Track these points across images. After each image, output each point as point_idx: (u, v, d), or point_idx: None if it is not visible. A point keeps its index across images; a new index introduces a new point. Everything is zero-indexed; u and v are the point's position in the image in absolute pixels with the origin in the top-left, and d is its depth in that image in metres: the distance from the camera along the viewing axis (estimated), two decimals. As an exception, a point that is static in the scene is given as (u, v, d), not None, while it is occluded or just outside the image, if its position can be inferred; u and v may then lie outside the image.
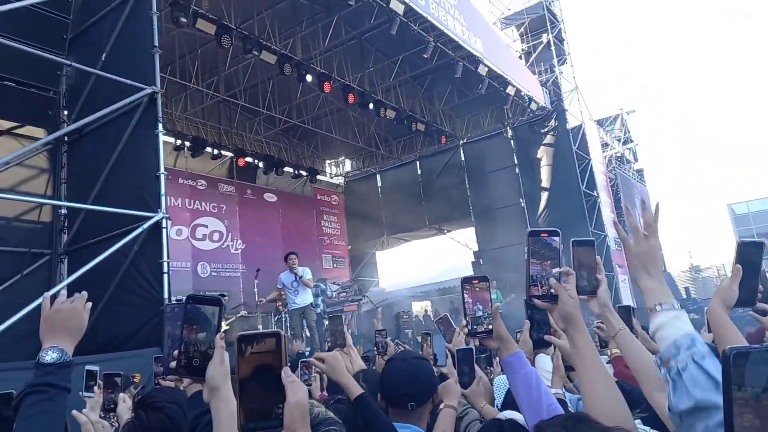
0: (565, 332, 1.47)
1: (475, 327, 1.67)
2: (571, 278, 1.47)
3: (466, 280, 1.71)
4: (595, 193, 15.41)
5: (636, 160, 22.72)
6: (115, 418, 2.76)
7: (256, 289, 12.36)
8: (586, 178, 15.40)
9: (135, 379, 4.41)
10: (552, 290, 1.47)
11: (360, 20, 12.26)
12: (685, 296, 19.69)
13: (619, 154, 20.70)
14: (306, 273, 10.00)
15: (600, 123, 19.27)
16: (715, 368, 1.06)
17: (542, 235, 1.52)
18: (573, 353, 1.44)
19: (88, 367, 2.92)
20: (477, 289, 1.70)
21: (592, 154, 15.90)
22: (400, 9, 10.18)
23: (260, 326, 11.92)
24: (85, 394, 2.79)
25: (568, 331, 1.44)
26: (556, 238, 1.52)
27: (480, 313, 1.66)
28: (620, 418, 1.24)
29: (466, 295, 1.70)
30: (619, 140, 21.38)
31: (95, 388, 2.75)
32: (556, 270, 1.49)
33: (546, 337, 2.15)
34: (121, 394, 2.83)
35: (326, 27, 12.18)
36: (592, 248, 1.60)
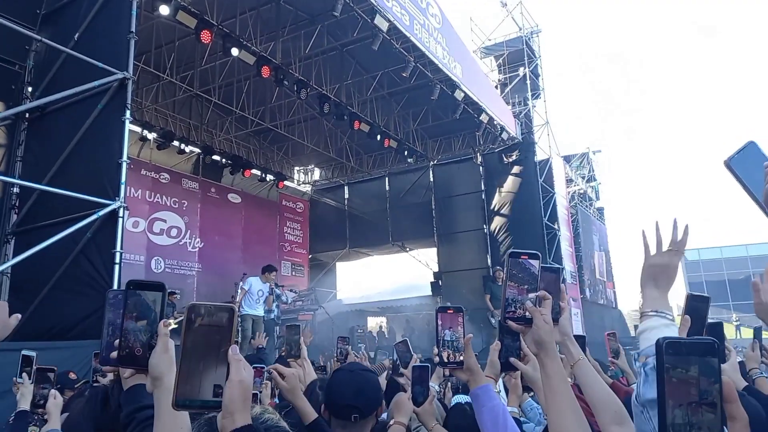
0: (537, 356, 1.46)
1: (446, 357, 1.66)
2: (547, 303, 1.46)
3: (441, 309, 1.70)
4: (556, 227, 15.74)
5: (597, 198, 23.38)
6: (44, 414, 2.61)
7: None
8: (549, 211, 15.73)
9: (71, 376, 4.24)
10: (527, 313, 1.46)
11: (343, 32, 12.31)
12: (633, 334, 20.19)
13: (582, 191, 21.25)
14: (287, 298, 10.24)
15: (566, 159, 19.78)
16: None
17: (522, 257, 1.51)
18: (543, 378, 1.43)
19: (24, 351, 2.80)
20: (451, 319, 1.70)
21: (557, 189, 16.27)
22: (384, 26, 10.27)
23: None
24: (18, 379, 2.67)
25: (540, 356, 1.43)
26: (536, 262, 1.51)
27: (452, 344, 1.65)
28: None
29: (439, 325, 1.69)
30: (583, 177, 21.98)
31: (24, 374, 2.63)
32: (533, 294, 1.48)
33: (511, 360, 2.16)
34: (53, 390, 2.67)
35: (309, 34, 12.18)
36: (557, 276, 1.62)
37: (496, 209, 16.27)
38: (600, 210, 23.49)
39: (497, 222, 16.16)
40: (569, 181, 19.49)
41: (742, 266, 40.24)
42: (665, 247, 1.40)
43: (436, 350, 1.68)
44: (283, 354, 3.36)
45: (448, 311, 1.70)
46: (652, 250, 1.40)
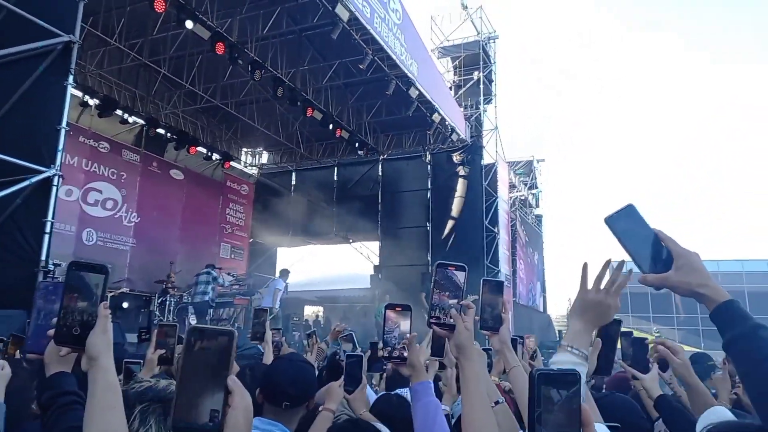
0: (456, 360, 1.55)
1: (390, 352, 1.73)
2: (470, 312, 1.55)
3: (390, 306, 1.77)
4: (495, 230, 16.20)
5: (537, 205, 24.20)
6: None
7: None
8: (491, 215, 16.18)
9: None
10: (451, 320, 1.55)
11: (303, 17, 12.17)
12: (557, 338, 21.10)
13: (523, 197, 21.95)
14: (224, 281, 12.51)
15: (511, 165, 20.36)
16: None
17: (450, 268, 1.60)
18: (461, 379, 1.53)
19: None
20: (398, 316, 1.77)
21: (500, 193, 16.75)
22: (344, 16, 10.24)
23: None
24: None
25: (459, 360, 1.52)
26: (462, 273, 1.59)
27: (396, 340, 1.73)
28: None
29: (388, 321, 1.76)
30: (525, 184, 22.69)
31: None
32: (453, 301, 1.57)
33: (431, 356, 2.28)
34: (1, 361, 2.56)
35: (268, 15, 11.96)
36: (500, 288, 1.75)
37: (439, 208, 16.57)
38: (539, 217, 24.33)
39: (440, 221, 16.46)
40: (512, 186, 20.09)
41: (737, 281, 41.30)
42: (602, 285, 1.43)
43: (381, 344, 1.77)
44: (249, 336, 3.45)
45: (396, 308, 1.78)
46: (589, 285, 1.45)
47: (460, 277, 1.59)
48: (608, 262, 1.48)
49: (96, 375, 1.25)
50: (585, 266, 1.47)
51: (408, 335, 1.73)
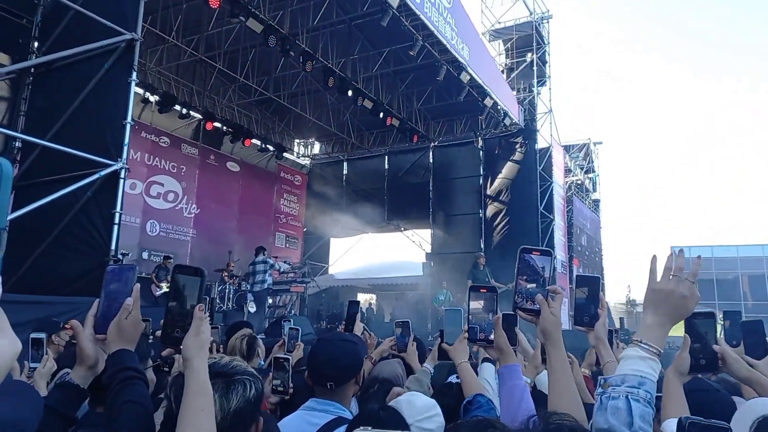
0: (544, 345, 1.54)
1: (475, 334, 1.73)
2: (558, 297, 1.52)
3: (474, 288, 1.77)
4: (551, 216, 15.83)
5: (594, 190, 23.46)
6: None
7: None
8: (545, 200, 15.81)
9: (67, 327, 4.28)
10: (537, 305, 1.52)
11: (353, 6, 12.19)
12: (619, 326, 20.49)
13: (579, 182, 21.32)
14: (281, 267, 12.55)
15: (567, 149, 19.80)
16: (639, 413, 1.17)
17: (534, 253, 1.57)
18: (548, 367, 1.52)
19: (33, 335, 2.79)
20: (483, 298, 1.76)
21: (555, 178, 16.32)
22: (394, 2, 10.18)
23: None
24: (32, 364, 2.66)
25: (546, 346, 1.51)
26: (547, 258, 1.56)
27: (483, 322, 1.72)
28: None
29: (472, 303, 1.75)
30: (581, 168, 22.03)
31: (44, 356, 2.61)
32: (532, 285, 1.54)
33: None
34: (44, 356, 2.63)
35: (318, 6, 12.04)
36: (596, 284, 1.70)
37: (493, 195, 16.32)
38: (596, 202, 23.59)
39: (493, 207, 16.22)
40: (568, 171, 19.54)
41: (732, 266, 40.52)
42: (670, 275, 1.37)
43: (466, 326, 1.76)
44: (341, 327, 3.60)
45: (481, 290, 1.76)
46: (658, 276, 1.38)
47: (545, 262, 1.56)
48: (673, 252, 1.42)
49: (189, 376, 1.29)
50: (654, 259, 1.40)
51: (493, 317, 1.72)
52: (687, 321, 1.74)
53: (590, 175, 22.95)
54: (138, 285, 1.51)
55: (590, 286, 1.71)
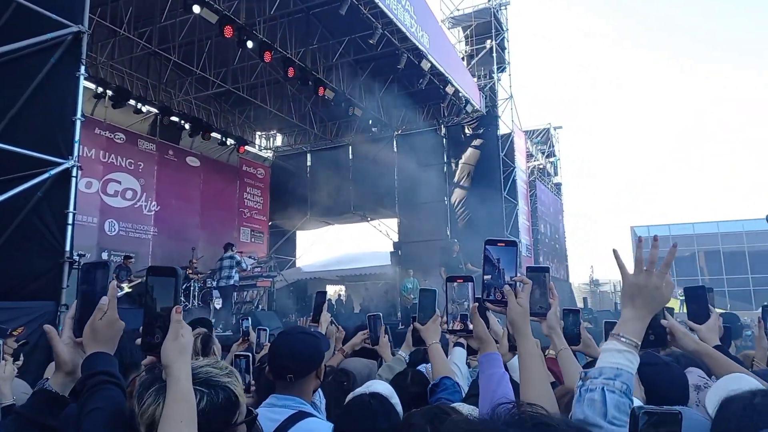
0: (513, 335, 1.55)
1: (453, 325, 1.72)
2: (526, 288, 1.52)
3: (450, 279, 1.75)
4: (515, 201, 16.05)
5: (556, 174, 23.89)
6: None
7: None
8: (509, 185, 16.00)
9: (14, 333, 4.08)
10: (505, 297, 1.52)
11: (310, -6, 12.01)
12: (582, 306, 21.01)
13: (541, 166, 21.67)
14: (246, 264, 12.49)
15: (528, 134, 20.07)
16: (614, 403, 1.20)
17: (499, 244, 1.56)
18: (518, 357, 1.52)
19: None
20: (460, 288, 1.74)
21: (517, 163, 16.54)
22: (352, -10, 10.07)
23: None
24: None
25: (516, 336, 1.51)
26: (513, 249, 1.55)
27: (461, 312, 1.70)
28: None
29: (449, 293, 1.75)
30: (543, 153, 22.39)
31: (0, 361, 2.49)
32: (488, 278, 1.54)
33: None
34: (2, 362, 2.48)
35: (274, -5, 11.83)
36: (545, 275, 1.72)
37: (457, 181, 16.43)
38: (558, 185, 24.03)
39: (458, 194, 16.35)
40: (530, 156, 19.83)
41: (689, 244, 42.05)
42: (644, 266, 1.37)
43: (444, 318, 1.75)
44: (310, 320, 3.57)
45: (457, 280, 1.75)
46: (629, 269, 1.39)
47: (505, 253, 1.55)
48: (641, 240, 1.44)
49: (169, 384, 1.22)
50: (615, 253, 1.42)
51: (470, 307, 1.71)
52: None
53: (551, 159, 23.36)
54: (114, 282, 1.45)
55: (540, 277, 1.73)
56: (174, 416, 1.17)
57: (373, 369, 3.21)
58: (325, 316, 3.27)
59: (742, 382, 1.60)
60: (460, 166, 16.46)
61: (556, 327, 1.80)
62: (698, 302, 2.25)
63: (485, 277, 1.55)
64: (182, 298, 11.65)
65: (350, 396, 1.99)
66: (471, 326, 1.71)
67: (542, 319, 1.76)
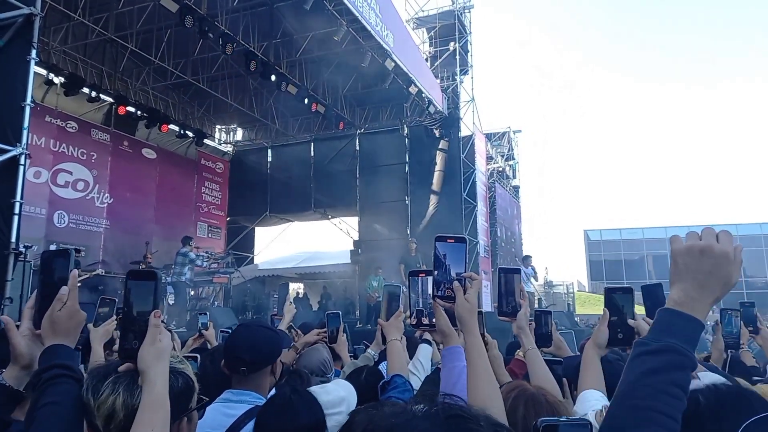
0: (460, 331, 1.55)
1: (418, 320, 1.73)
2: (475, 284, 1.53)
3: (413, 273, 1.77)
4: (474, 202, 16.27)
5: (514, 176, 24.33)
6: None
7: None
8: (468, 187, 16.22)
9: None
10: (453, 292, 1.53)
11: (275, -12, 11.86)
12: (537, 306, 21.47)
13: (500, 169, 22.04)
14: (202, 261, 12.16)
15: (488, 136, 20.37)
16: None
17: (449, 240, 1.56)
18: (466, 353, 1.53)
19: None
20: (423, 282, 1.75)
21: (477, 165, 16.77)
22: (317, -15, 10.00)
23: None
24: None
25: (463, 331, 1.52)
26: (462, 245, 1.56)
27: (425, 307, 1.71)
28: (495, 414, 1.38)
29: (413, 288, 1.76)
30: (502, 156, 22.77)
31: None
32: (436, 274, 1.55)
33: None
34: None
35: (238, -13, 11.63)
36: (516, 276, 1.74)
37: (417, 181, 16.54)
38: (516, 188, 24.47)
39: (418, 194, 16.45)
40: (489, 158, 20.14)
41: (638, 248, 43.63)
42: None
43: (408, 313, 1.75)
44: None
45: (420, 275, 1.76)
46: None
47: (461, 249, 1.56)
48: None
49: (144, 389, 1.19)
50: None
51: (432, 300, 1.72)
52: (606, 295, 1.83)
53: (510, 163, 23.78)
54: (75, 272, 1.39)
55: (511, 278, 1.77)
56: (148, 422, 1.16)
57: (323, 353, 3.21)
58: (288, 308, 3.26)
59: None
60: (421, 166, 16.58)
61: (525, 327, 1.86)
62: (655, 299, 2.32)
63: (434, 273, 1.56)
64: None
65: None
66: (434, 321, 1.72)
67: (512, 319, 1.81)
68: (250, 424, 1.89)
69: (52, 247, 12.60)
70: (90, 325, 2.28)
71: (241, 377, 2.07)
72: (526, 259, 13.46)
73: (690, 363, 0.99)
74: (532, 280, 13.41)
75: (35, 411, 1.22)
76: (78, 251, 11.42)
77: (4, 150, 5.38)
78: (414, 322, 1.79)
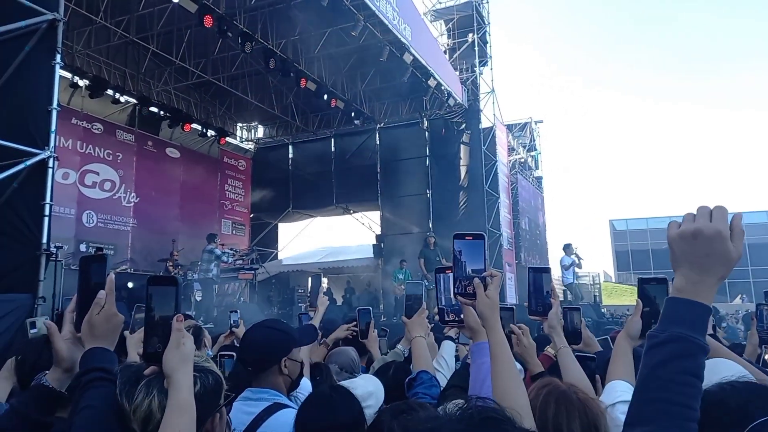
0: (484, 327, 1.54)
1: (447, 315, 1.74)
2: (495, 280, 1.52)
3: (440, 270, 1.76)
4: (496, 194, 16.15)
5: (537, 167, 24.07)
6: None
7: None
8: (490, 179, 16.10)
9: None
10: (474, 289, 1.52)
11: (292, -15, 11.89)
12: (562, 298, 21.24)
13: (522, 160, 21.83)
14: (228, 258, 11.91)
15: (509, 128, 20.18)
16: None
17: (467, 237, 1.56)
18: (490, 350, 1.52)
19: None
20: (446, 280, 1.75)
21: (499, 157, 16.64)
22: (334, -19, 10.00)
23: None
24: None
25: (486, 328, 1.51)
26: (481, 242, 1.55)
27: (452, 303, 1.71)
28: (520, 410, 1.37)
29: (440, 285, 1.75)
30: (524, 146, 22.54)
31: None
32: (474, 269, 1.53)
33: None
34: None
35: (255, -15, 11.69)
36: (546, 275, 1.73)
37: (438, 174, 16.48)
38: (539, 179, 24.23)
39: (439, 187, 16.39)
40: (511, 149, 19.95)
41: (665, 237, 42.72)
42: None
43: (436, 309, 1.76)
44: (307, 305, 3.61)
45: (446, 271, 1.76)
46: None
47: (479, 245, 1.55)
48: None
49: (170, 393, 1.22)
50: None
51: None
52: (639, 286, 1.82)
53: (532, 153, 23.52)
54: (112, 276, 1.42)
55: (540, 277, 1.76)
56: (174, 425, 1.18)
57: (351, 354, 3.22)
58: (322, 299, 3.28)
59: (719, 368, 1.48)
60: (442, 159, 16.50)
61: (556, 326, 1.86)
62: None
63: (456, 270, 1.56)
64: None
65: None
66: (461, 317, 1.72)
67: (543, 318, 1.82)
68: (269, 421, 1.92)
69: (82, 247, 12.92)
70: (126, 333, 2.34)
71: (257, 376, 2.11)
72: (568, 248, 12.64)
73: (698, 348, 0.98)
74: (576, 269, 12.69)
75: (75, 414, 1.26)
76: (100, 250, 11.66)
77: (32, 154, 5.51)
78: (441, 319, 1.78)
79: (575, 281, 12.82)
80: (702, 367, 0.99)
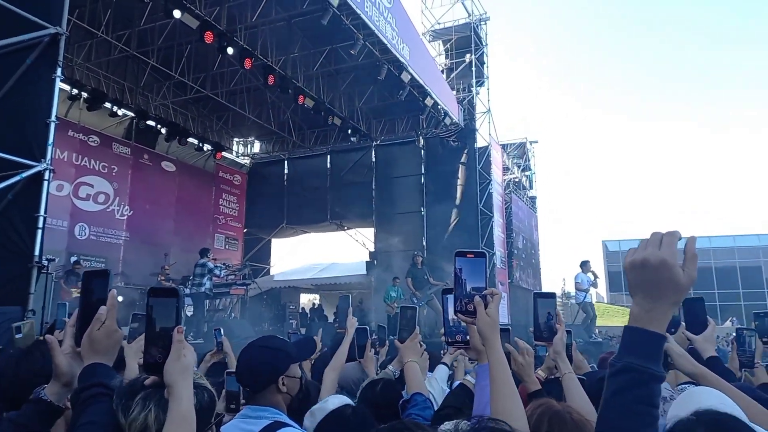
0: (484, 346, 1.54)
1: (453, 336, 1.73)
2: (495, 299, 1.51)
3: (447, 291, 1.74)
4: (491, 213, 16.21)
5: (531, 187, 24.19)
6: None
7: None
8: (485, 198, 16.17)
9: None
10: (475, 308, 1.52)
11: (292, 3, 12.02)
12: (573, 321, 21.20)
13: (516, 180, 21.94)
14: (220, 272, 11.88)
15: (504, 147, 20.32)
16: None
17: (468, 255, 1.55)
18: (490, 368, 1.51)
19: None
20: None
21: (494, 176, 16.73)
22: (335, 1, 10.12)
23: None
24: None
25: (486, 347, 1.51)
26: (482, 260, 1.55)
27: (458, 324, 1.70)
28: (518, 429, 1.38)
29: (447, 306, 1.74)
30: (518, 166, 22.68)
31: None
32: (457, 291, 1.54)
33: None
34: None
35: (256, 2, 11.79)
36: (552, 300, 1.75)
37: (433, 193, 16.54)
38: (533, 199, 24.33)
39: (434, 205, 16.44)
40: (506, 169, 20.07)
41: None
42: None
43: (443, 330, 1.76)
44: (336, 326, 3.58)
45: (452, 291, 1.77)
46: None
47: (480, 263, 1.55)
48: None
49: (171, 404, 1.23)
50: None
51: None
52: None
53: (527, 173, 23.66)
54: (114, 291, 1.42)
55: (545, 302, 1.77)
56: None
57: (356, 372, 3.20)
58: (352, 321, 3.25)
59: (700, 397, 1.43)
60: (437, 177, 16.58)
61: (561, 352, 1.87)
62: (695, 313, 2.32)
63: (456, 288, 1.55)
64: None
65: (330, 407, 2.02)
66: (467, 338, 1.71)
67: (548, 344, 1.83)
68: None
69: (73, 259, 12.81)
70: (124, 342, 2.32)
71: (254, 396, 2.10)
72: (585, 265, 12.04)
73: (650, 377, 1.00)
74: (591, 289, 12.14)
75: (75, 429, 1.26)
76: (78, 263, 11.52)
77: (29, 166, 5.51)
78: (447, 340, 1.78)
79: (587, 298, 12.40)
80: (656, 395, 1.01)
